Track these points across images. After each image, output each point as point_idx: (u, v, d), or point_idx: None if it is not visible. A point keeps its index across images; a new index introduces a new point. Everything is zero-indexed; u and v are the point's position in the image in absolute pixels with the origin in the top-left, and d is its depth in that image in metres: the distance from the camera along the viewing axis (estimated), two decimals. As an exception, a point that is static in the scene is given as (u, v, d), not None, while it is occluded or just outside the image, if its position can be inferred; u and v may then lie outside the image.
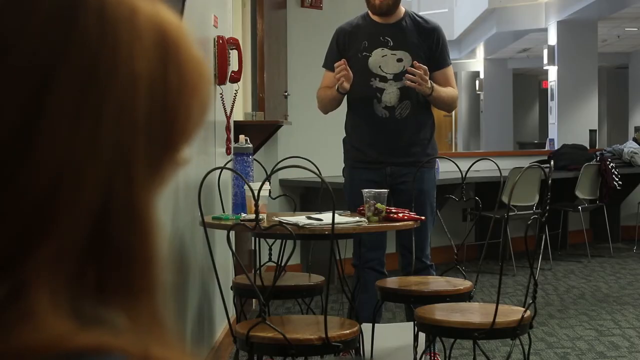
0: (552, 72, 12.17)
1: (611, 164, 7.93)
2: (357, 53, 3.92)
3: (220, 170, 3.44)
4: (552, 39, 12.30)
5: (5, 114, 0.48)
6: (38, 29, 0.49)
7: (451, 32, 17.45)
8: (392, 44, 3.92)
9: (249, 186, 3.04)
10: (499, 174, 3.57)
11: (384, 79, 3.90)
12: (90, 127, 0.50)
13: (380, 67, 3.91)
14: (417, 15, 4.08)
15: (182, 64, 0.55)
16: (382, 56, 3.91)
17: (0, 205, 0.49)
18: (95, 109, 0.50)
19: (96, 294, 0.52)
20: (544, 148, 11.12)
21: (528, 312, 3.08)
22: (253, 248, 3.91)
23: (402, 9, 4.01)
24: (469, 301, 3.51)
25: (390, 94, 3.89)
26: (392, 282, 3.65)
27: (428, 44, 3.95)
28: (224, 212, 3.72)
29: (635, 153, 8.43)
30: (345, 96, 3.99)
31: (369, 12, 3.99)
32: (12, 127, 0.49)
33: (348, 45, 3.96)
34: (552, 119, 12.14)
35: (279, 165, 3.51)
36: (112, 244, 0.52)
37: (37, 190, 0.49)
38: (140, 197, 0.53)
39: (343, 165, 4.12)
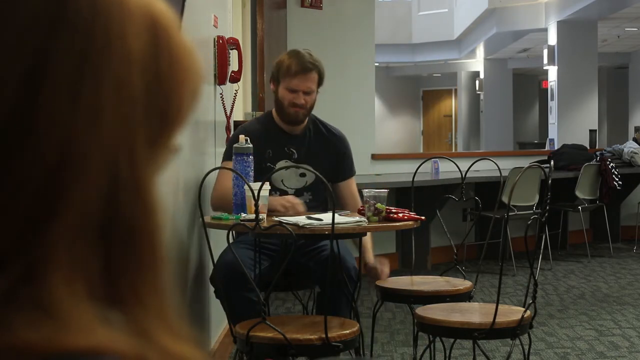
0: (552, 72, 12.17)
1: (611, 164, 7.93)
2: (261, 162, 3.53)
3: (217, 169, 3.44)
4: (552, 39, 12.30)
5: (2, 93, 0.49)
6: (30, 8, 0.50)
7: (451, 32, 17.48)
8: (296, 156, 3.63)
9: (249, 186, 3.04)
10: (499, 174, 3.57)
11: (284, 194, 3.58)
12: (90, 103, 0.51)
13: (282, 181, 3.63)
14: (320, 121, 3.75)
15: (173, 49, 0.56)
16: (286, 169, 3.61)
17: (5, 184, 0.49)
18: (93, 85, 0.51)
19: (104, 276, 0.52)
20: (544, 148, 11.13)
21: (528, 312, 3.08)
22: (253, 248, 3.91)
23: None
24: (469, 301, 3.51)
25: None
26: (392, 282, 3.65)
27: (333, 157, 3.70)
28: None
29: (635, 153, 8.43)
30: None
31: (273, 115, 3.67)
32: (10, 106, 0.49)
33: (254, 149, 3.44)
34: (552, 119, 12.14)
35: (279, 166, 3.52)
36: (121, 220, 0.52)
37: (43, 168, 0.49)
38: (143, 172, 0.54)
39: None
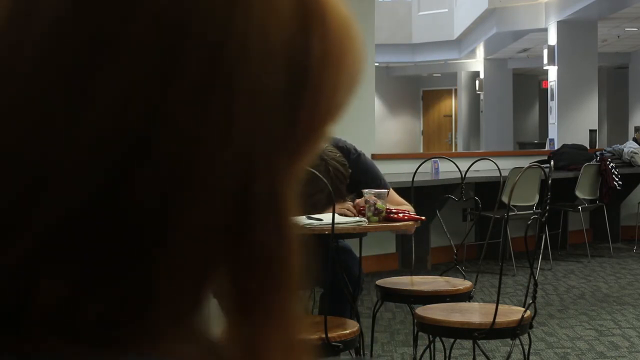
0: (552, 72, 12.17)
1: (611, 164, 7.94)
2: None
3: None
4: (552, 39, 12.30)
5: (131, 102, 0.42)
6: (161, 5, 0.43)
7: (451, 32, 17.48)
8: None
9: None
10: (498, 174, 3.57)
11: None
12: (220, 110, 0.43)
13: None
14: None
15: (328, 31, 0.46)
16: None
17: (121, 194, 0.42)
18: (225, 88, 0.43)
19: (228, 299, 0.47)
20: (544, 148, 11.13)
21: (528, 312, 3.08)
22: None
23: None
24: (469, 301, 3.51)
25: None
26: (392, 282, 3.65)
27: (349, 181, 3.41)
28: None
29: (635, 153, 8.43)
30: None
31: None
32: (137, 113, 0.42)
33: None
34: (552, 119, 12.14)
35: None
36: (250, 246, 0.45)
37: (163, 177, 0.42)
38: (281, 186, 0.46)
39: None
